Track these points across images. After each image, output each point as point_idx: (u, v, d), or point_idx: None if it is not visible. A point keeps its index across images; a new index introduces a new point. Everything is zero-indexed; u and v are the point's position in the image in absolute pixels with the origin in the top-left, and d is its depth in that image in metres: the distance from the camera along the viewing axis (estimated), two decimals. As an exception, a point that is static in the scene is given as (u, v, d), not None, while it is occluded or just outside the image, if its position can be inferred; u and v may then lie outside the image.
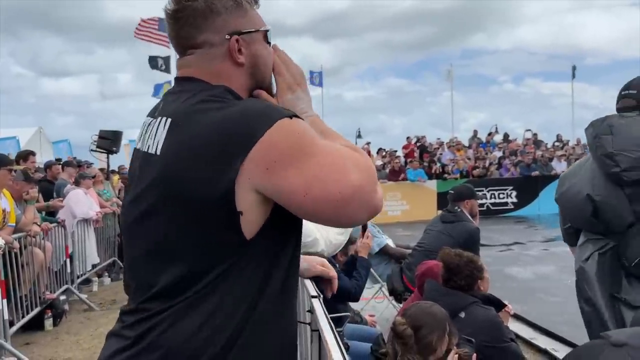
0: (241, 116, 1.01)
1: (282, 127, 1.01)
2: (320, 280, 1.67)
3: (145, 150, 1.12)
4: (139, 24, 12.50)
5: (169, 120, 1.08)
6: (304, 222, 2.35)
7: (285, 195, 1.02)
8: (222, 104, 1.06)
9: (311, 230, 2.24)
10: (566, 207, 2.54)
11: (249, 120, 1.00)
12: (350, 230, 2.44)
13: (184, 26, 1.14)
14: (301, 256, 1.73)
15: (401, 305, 4.37)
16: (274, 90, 1.25)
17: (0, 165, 4.68)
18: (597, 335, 2.29)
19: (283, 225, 1.08)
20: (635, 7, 41.55)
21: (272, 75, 1.24)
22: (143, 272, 1.11)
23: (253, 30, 1.18)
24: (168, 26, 1.17)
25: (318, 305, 1.54)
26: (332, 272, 1.65)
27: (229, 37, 1.14)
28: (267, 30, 1.21)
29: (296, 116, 1.06)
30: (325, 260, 1.67)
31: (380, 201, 1.07)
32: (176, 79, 1.19)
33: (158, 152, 1.07)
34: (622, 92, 2.36)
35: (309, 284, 1.67)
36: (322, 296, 1.62)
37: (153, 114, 1.18)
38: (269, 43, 1.22)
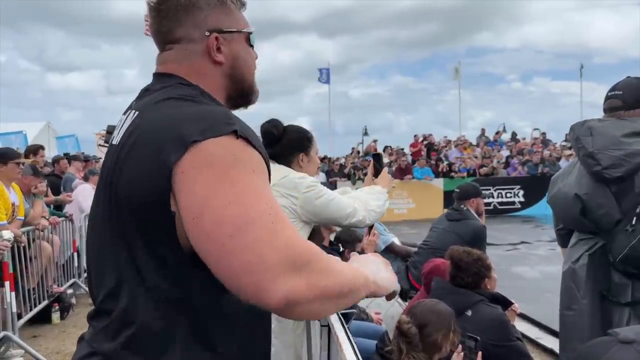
0: (190, 118, 0.97)
1: (223, 142, 0.94)
2: None
3: (111, 141, 1.12)
4: (147, 20, 12.52)
5: (136, 113, 1.07)
6: (338, 195, 2.36)
7: (181, 208, 0.93)
8: (186, 103, 1.03)
9: (347, 203, 2.25)
10: (557, 208, 2.58)
11: (196, 124, 0.95)
12: (387, 196, 2.43)
13: (164, 19, 1.13)
14: None
15: (407, 303, 4.37)
16: (254, 96, 1.23)
17: (8, 159, 4.71)
18: (580, 339, 2.30)
19: None
20: (641, 5, 41.22)
21: (253, 80, 1.21)
22: (94, 274, 1.10)
23: (234, 30, 1.16)
24: (150, 19, 1.16)
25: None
26: None
27: (208, 33, 1.12)
28: (250, 33, 1.19)
29: (245, 139, 0.96)
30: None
31: (274, 295, 0.86)
32: (154, 74, 1.17)
33: (116, 143, 1.07)
34: (609, 93, 2.41)
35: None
36: None
37: (127, 109, 1.16)
38: (251, 46, 1.20)
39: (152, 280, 0.98)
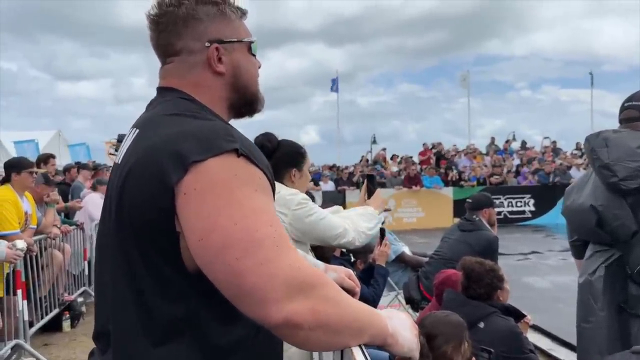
0: (191, 136, 0.95)
1: (225, 161, 0.93)
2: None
3: (116, 161, 1.12)
4: None
5: (137, 131, 1.06)
6: (329, 215, 2.30)
7: (185, 230, 0.93)
8: (186, 119, 1.01)
9: (338, 223, 2.22)
10: (572, 220, 2.57)
11: (197, 142, 0.94)
12: (380, 220, 2.39)
13: (163, 32, 1.12)
14: (330, 265, 1.73)
15: (417, 314, 4.34)
16: (259, 105, 1.21)
17: (22, 169, 4.75)
18: (598, 351, 2.28)
19: None
20: (651, 13, 41.03)
21: (257, 88, 1.20)
22: (101, 297, 1.09)
23: (235, 40, 1.14)
24: (150, 32, 1.14)
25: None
26: (357, 288, 1.64)
27: (208, 44, 1.10)
28: (251, 42, 1.17)
29: (247, 157, 0.95)
30: (352, 273, 1.66)
31: (275, 315, 0.87)
32: (157, 89, 1.16)
33: (119, 162, 1.06)
34: (625, 104, 2.41)
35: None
36: None
37: (133, 125, 1.15)
38: (254, 55, 1.19)
39: (154, 301, 0.97)
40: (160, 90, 1.15)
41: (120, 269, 1.00)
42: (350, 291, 1.68)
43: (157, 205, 0.93)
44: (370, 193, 2.49)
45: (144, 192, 0.95)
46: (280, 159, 2.33)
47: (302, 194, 2.26)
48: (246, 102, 1.18)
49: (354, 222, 2.26)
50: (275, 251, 0.90)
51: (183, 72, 1.12)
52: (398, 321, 1.06)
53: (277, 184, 2.29)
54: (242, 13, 1.18)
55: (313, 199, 2.42)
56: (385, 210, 3.03)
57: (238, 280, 0.88)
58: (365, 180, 2.55)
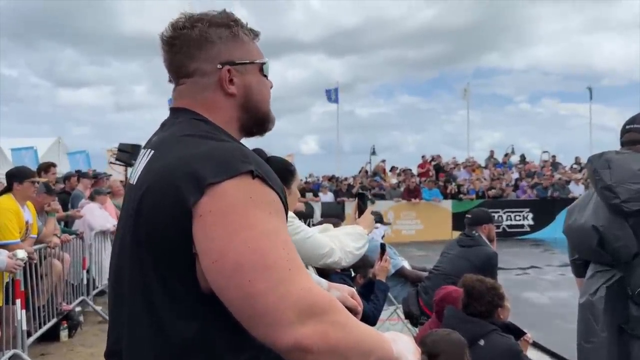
0: (207, 158, 0.97)
1: (240, 183, 0.94)
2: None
3: (131, 181, 1.13)
4: None
5: (152, 152, 1.08)
6: (316, 234, 2.27)
7: (200, 252, 0.94)
8: (201, 141, 1.03)
9: (324, 242, 2.19)
10: (573, 239, 2.59)
11: (213, 164, 0.95)
12: (368, 238, 2.37)
13: (177, 54, 1.14)
14: (333, 284, 1.74)
15: (417, 329, 4.34)
16: (270, 124, 1.23)
17: (24, 178, 4.76)
18: None
19: None
20: (649, 29, 41.42)
21: (268, 109, 1.21)
22: (115, 316, 1.10)
23: (247, 61, 1.16)
24: (163, 53, 1.16)
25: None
26: (359, 308, 1.65)
27: (220, 66, 1.13)
28: (263, 63, 1.19)
29: (262, 178, 0.97)
30: (355, 292, 1.67)
31: (285, 339, 0.88)
32: (170, 109, 1.18)
33: (135, 183, 1.07)
34: (627, 126, 2.43)
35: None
36: None
37: (146, 145, 1.16)
38: (265, 76, 1.20)
39: (168, 319, 0.98)
40: (173, 111, 1.17)
41: (136, 288, 1.02)
42: (352, 310, 1.69)
43: (175, 226, 0.95)
44: (360, 212, 2.46)
45: (161, 213, 0.96)
46: None
47: (289, 212, 2.25)
48: (257, 122, 1.20)
49: (342, 241, 2.22)
50: (288, 274, 0.91)
51: (196, 93, 1.14)
52: (402, 344, 1.07)
53: None
54: (255, 35, 1.20)
55: (312, 210, 2.41)
56: (386, 223, 3.02)
57: (250, 302, 0.90)
58: (357, 199, 2.52)
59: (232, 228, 0.92)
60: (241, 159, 0.97)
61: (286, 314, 0.88)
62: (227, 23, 1.15)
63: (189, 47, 1.12)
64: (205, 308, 0.98)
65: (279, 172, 2.35)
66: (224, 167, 0.95)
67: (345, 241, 2.25)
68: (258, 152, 2.39)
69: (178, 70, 1.16)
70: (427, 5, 43.42)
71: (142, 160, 1.10)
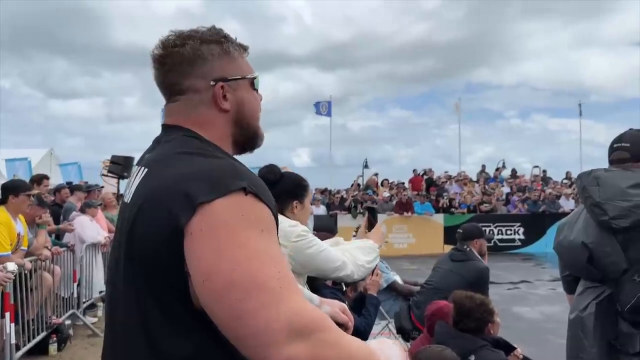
0: (199, 176, 0.97)
1: (232, 201, 0.94)
2: (336, 324, 1.68)
3: (124, 199, 1.13)
4: None
5: (145, 170, 1.08)
6: (328, 247, 2.31)
7: (191, 269, 0.94)
8: (193, 158, 1.03)
9: (337, 256, 2.23)
10: (563, 256, 2.62)
11: (205, 183, 0.95)
12: (378, 252, 2.41)
13: (169, 72, 1.13)
14: (324, 299, 1.76)
15: (409, 344, 4.34)
16: (260, 140, 1.24)
17: (20, 191, 4.76)
18: None
19: None
20: (636, 46, 42.09)
21: (258, 125, 1.23)
22: (111, 336, 1.09)
23: (239, 77, 1.16)
24: (155, 71, 1.16)
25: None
26: (350, 323, 1.67)
27: (214, 83, 1.13)
28: (254, 78, 1.20)
29: (255, 195, 0.97)
30: (346, 307, 1.69)
31: (278, 358, 0.88)
32: (162, 126, 1.18)
33: (129, 201, 1.07)
34: (614, 145, 2.47)
35: (325, 327, 1.68)
36: None
37: (140, 162, 1.16)
38: (256, 90, 1.21)
39: (163, 338, 0.98)
40: (166, 128, 1.16)
41: (131, 306, 1.02)
42: (344, 325, 1.71)
43: (167, 245, 0.95)
44: (371, 226, 2.51)
45: (154, 232, 0.96)
46: (283, 190, 2.35)
47: (303, 226, 2.28)
48: (248, 137, 1.21)
49: (353, 255, 2.27)
50: (278, 294, 0.91)
51: (188, 110, 1.14)
52: (389, 351, 1.09)
53: (279, 216, 2.31)
54: (244, 49, 1.21)
55: None
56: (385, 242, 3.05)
57: (239, 322, 0.89)
58: (367, 213, 2.57)
59: (223, 247, 0.92)
60: (233, 176, 0.97)
61: (276, 334, 0.88)
62: (218, 40, 1.15)
63: (181, 65, 1.12)
64: (199, 326, 0.98)
65: (293, 187, 2.42)
66: (216, 186, 0.95)
67: (356, 255, 2.28)
68: (271, 167, 2.44)
69: (170, 88, 1.15)
70: (418, 21, 43.91)
71: (136, 178, 1.10)
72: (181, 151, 1.06)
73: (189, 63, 1.12)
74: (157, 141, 1.17)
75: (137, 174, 1.11)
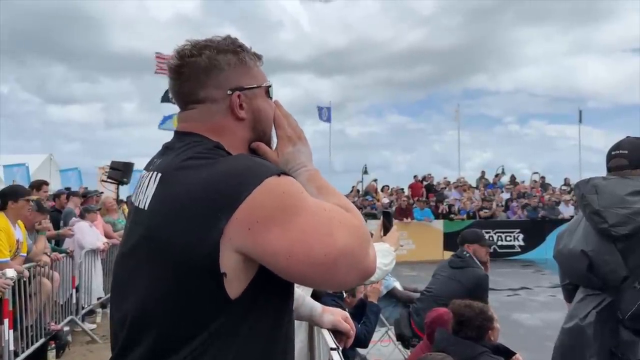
0: (227, 175, 1.00)
1: (269, 186, 0.98)
2: (337, 333, 1.68)
3: (137, 204, 1.13)
4: (157, 59, 12.76)
5: (159, 175, 1.08)
6: None
7: (268, 257, 0.99)
8: (209, 161, 1.04)
9: None
10: (563, 264, 2.62)
11: (235, 179, 0.98)
12: (394, 255, 2.43)
13: (186, 81, 1.15)
14: (327, 307, 1.76)
15: (409, 351, 4.33)
16: (274, 144, 1.25)
17: (19, 197, 4.76)
18: None
19: (271, 282, 1.03)
20: (633, 53, 42.26)
21: (273, 129, 1.25)
22: (125, 333, 1.08)
23: (255, 86, 1.19)
24: (171, 81, 1.18)
25: (337, 358, 1.55)
26: (352, 332, 1.67)
27: (230, 92, 1.15)
28: (269, 86, 1.22)
29: (284, 173, 1.04)
30: (348, 315, 1.69)
31: (372, 264, 1.05)
32: (175, 132, 1.19)
33: (146, 208, 1.07)
34: (613, 152, 2.48)
35: (327, 335, 1.69)
36: (340, 348, 1.63)
37: (148, 167, 1.17)
38: (270, 98, 1.23)
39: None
40: (180, 134, 1.17)
41: (154, 316, 1.03)
42: (345, 334, 1.71)
43: (203, 248, 0.96)
44: (386, 230, 2.54)
45: (188, 237, 0.97)
46: None
47: None
48: (264, 143, 1.23)
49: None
50: (344, 223, 1.03)
51: (205, 117, 1.15)
52: (302, 147, 1.27)
53: None
54: (258, 58, 1.22)
55: None
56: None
57: (340, 262, 1.00)
58: (382, 217, 2.60)
59: (286, 225, 0.98)
60: (258, 166, 1.03)
61: (363, 248, 1.04)
62: (234, 49, 1.17)
63: (198, 75, 1.14)
64: (236, 318, 1.02)
65: None
66: (249, 179, 0.98)
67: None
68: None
69: (187, 98, 1.17)
70: (414, 27, 44.04)
71: (149, 183, 1.10)
72: (201, 156, 1.07)
73: (205, 73, 1.14)
74: (169, 147, 1.17)
75: (149, 180, 1.10)
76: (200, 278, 0.98)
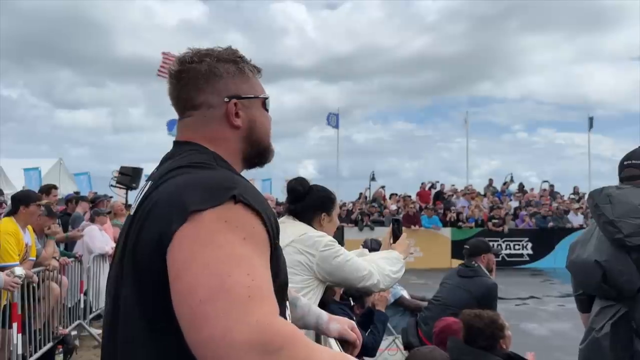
0: (195, 187, 0.98)
1: (221, 209, 0.93)
2: (344, 342, 1.67)
3: (130, 212, 1.14)
4: (164, 57, 12.75)
5: (149, 183, 1.10)
6: (354, 257, 2.37)
7: (171, 276, 0.92)
8: (195, 170, 1.05)
9: (363, 265, 2.28)
10: (576, 274, 2.60)
11: (199, 192, 0.96)
12: (403, 263, 2.45)
13: (185, 87, 1.17)
14: (333, 316, 1.76)
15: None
16: (270, 155, 1.26)
17: (30, 201, 4.79)
18: None
19: None
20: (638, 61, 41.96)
21: (269, 141, 1.25)
22: (107, 342, 1.07)
23: (252, 96, 1.20)
24: (170, 86, 1.20)
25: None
26: (359, 341, 1.66)
27: (227, 99, 1.16)
28: (266, 98, 1.24)
29: (244, 203, 0.95)
30: (355, 325, 1.68)
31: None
32: (174, 142, 1.20)
33: (132, 213, 1.10)
34: (625, 162, 2.47)
35: (334, 344, 1.68)
36: None
37: (149, 177, 1.18)
38: (267, 110, 1.25)
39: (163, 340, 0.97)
40: (177, 144, 1.19)
41: (126, 321, 1.02)
42: (352, 344, 1.69)
43: (161, 254, 0.94)
44: (395, 237, 2.55)
45: (152, 241, 0.97)
46: (311, 202, 2.45)
47: (329, 236, 2.35)
48: (259, 153, 1.24)
49: (379, 265, 2.32)
50: (245, 302, 0.83)
51: (201, 125, 1.17)
52: None
53: (305, 226, 2.39)
54: (257, 71, 1.25)
55: None
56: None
57: (198, 326, 0.83)
58: (391, 225, 2.61)
59: (198, 249, 0.89)
60: (227, 185, 0.98)
61: (235, 346, 0.79)
62: (234, 59, 1.20)
63: (197, 81, 1.16)
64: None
65: (322, 199, 2.49)
66: (210, 196, 0.95)
67: (382, 265, 2.34)
68: (300, 180, 2.53)
69: (185, 103, 1.18)
70: (420, 34, 44.02)
71: (142, 193, 1.12)
72: (185, 164, 1.08)
73: (204, 79, 1.16)
74: (168, 157, 1.18)
75: (144, 189, 1.12)
76: (161, 286, 0.94)
